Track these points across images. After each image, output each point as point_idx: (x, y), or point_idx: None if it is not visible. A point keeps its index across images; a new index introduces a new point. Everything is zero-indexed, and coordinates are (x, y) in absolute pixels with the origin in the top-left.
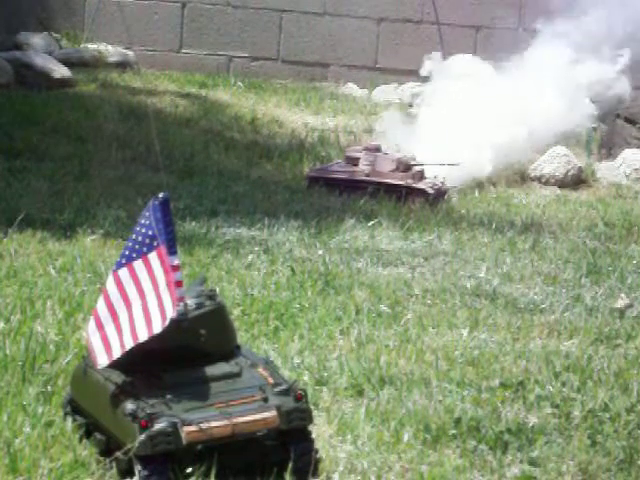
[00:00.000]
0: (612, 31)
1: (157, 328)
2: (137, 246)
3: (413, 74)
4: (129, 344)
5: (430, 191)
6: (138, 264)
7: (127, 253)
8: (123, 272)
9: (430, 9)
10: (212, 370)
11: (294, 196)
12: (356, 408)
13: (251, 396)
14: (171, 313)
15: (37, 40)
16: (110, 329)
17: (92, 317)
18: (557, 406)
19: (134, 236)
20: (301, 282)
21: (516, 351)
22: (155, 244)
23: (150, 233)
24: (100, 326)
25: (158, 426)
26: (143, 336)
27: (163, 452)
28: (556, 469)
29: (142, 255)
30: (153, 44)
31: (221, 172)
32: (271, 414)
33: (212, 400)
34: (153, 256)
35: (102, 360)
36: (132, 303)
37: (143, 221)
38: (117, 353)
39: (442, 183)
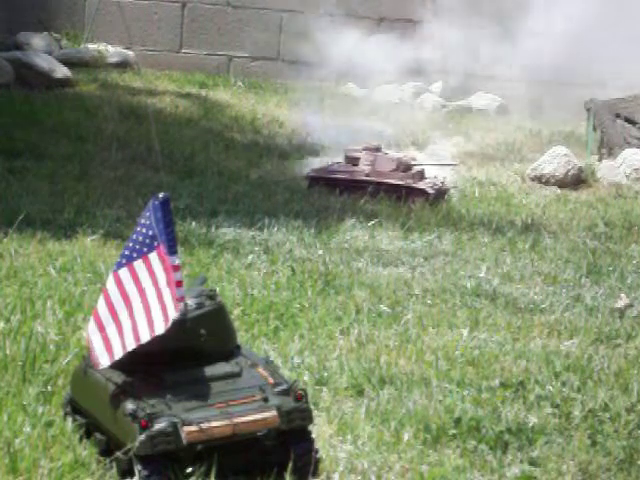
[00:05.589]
0: None
1: (159, 329)
2: (137, 246)
3: (413, 74)
4: (131, 345)
5: (430, 191)
6: (138, 264)
7: (127, 253)
8: (123, 272)
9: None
10: (212, 370)
11: (294, 196)
12: (356, 408)
13: (251, 396)
14: (173, 314)
15: (37, 40)
16: (111, 329)
17: (92, 317)
18: (557, 406)
19: (134, 236)
20: (301, 282)
21: (516, 351)
22: (155, 244)
23: (150, 233)
24: (101, 326)
25: (158, 426)
26: (145, 337)
27: (163, 452)
28: (556, 469)
29: (142, 255)
30: (153, 44)
31: (221, 172)
32: (271, 414)
33: (212, 400)
34: (153, 256)
35: (103, 361)
36: (133, 303)
37: (143, 221)
38: (119, 354)
39: (442, 183)
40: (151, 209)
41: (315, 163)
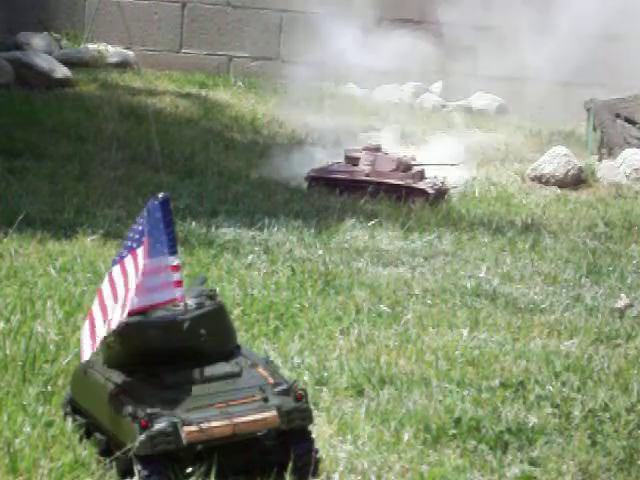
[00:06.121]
0: None
1: (125, 314)
2: (129, 243)
3: (413, 74)
4: (102, 333)
5: (430, 191)
6: (128, 259)
7: (122, 251)
8: (116, 269)
9: (430, 9)
10: (212, 370)
11: (294, 196)
12: (356, 408)
13: (251, 396)
14: (134, 291)
15: (37, 40)
16: (99, 323)
17: (87, 316)
18: (557, 406)
19: (130, 234)
20: (301, 282)
21: (516, 351)
22: (143, 239)
23: (140, 229)
24: (92, 322)
25: (158, 426)
26: (115, 323)
27: (163, 452)
28: (556, 469)
29: (131, 250)
30: (153, 44)
31: (221, 172)
32: (271, 414)
33: (212, 400)
34: (140, 250)
35: (86, 354)
36: (118, 295)
37: (139, 220)
38: (98, 343)
39: (442, 183)
40: (149, 209)
41: (315, 163)
